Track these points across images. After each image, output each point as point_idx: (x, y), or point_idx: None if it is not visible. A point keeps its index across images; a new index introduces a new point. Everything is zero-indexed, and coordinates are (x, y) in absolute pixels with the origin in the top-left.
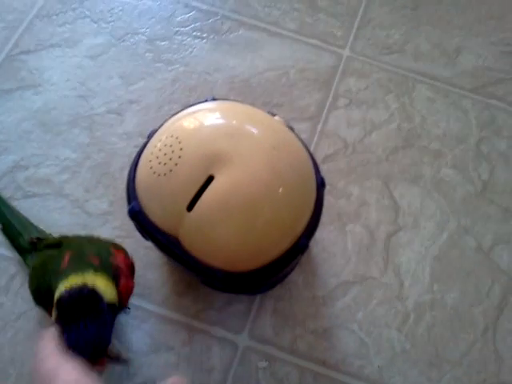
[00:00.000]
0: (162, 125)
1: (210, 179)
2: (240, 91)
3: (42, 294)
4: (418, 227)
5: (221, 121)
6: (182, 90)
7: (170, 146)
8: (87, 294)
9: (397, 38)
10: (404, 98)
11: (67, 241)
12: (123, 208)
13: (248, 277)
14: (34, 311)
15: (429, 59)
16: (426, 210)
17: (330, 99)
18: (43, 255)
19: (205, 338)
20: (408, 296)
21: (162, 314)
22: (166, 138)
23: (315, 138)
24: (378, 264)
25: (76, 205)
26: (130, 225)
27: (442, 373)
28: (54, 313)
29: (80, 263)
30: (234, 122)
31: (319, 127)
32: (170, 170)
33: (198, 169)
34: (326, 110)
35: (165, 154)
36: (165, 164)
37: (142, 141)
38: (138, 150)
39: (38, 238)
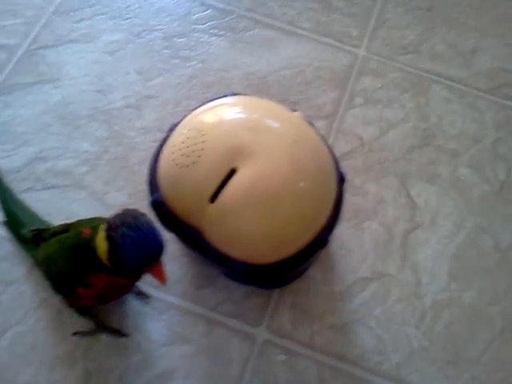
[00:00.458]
0: (183, 119)
1: (233, 172)
2: (257, 88)
3: (65, 276)
4: (435, 225)
5: (243, 115)
6: (200, 86)
7: (193, 138)
8: (130, 210)
9: (412, 38)
10: (419, 97)
11: (74, 225)
12: (142, 201)
13: (269, 269)
14: (55, 299)
15: (444, 60)
16: (443, 208)
17: (346, 98)
18: (54, 242)
19: (223, 331)
20: (425, 293)
21: (180, 305)
22: (189, 131)
23: (331, 136)
24: (396, 261)
25: (95, 197)
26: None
27: (461, 371)
28: (104, 246)
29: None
30: (256, 116)
31: (335, 125)
32: (193, 162)
33: (221, 161)
34: (342, 109)
35: (188, 147)
36: (188, 156)
37: (160, 135)
38: (156, 144)
39: (39, 230)
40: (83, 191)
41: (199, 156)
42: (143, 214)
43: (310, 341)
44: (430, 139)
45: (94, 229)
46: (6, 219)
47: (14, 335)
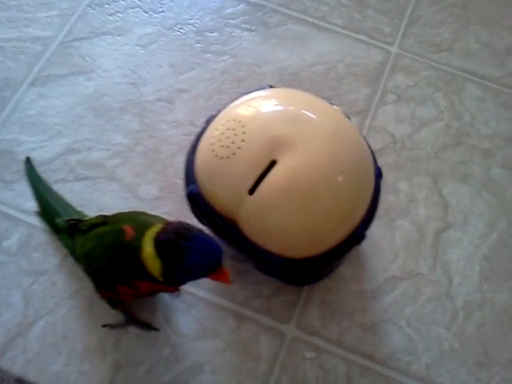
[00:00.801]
0: (220, 110)
1: (272, 163)
2: (289, 84)
3: (106, 274)
4: (468, 225)
5: (282, 107)
6: (231, 80)
7: (233, 129)
8: (175, 222)
9: (446, 36)
10: (453, 96)
11: (113, 218)
12: (173, 194)
13: (305, 264)
14: (87, 290)
15: (478, 58)
16: (476, 208)
17: (379, 95)
18: (93, 236)
19: (252, 326)
20: (457, 294)
21: (210, 299)
22: (228, 122)
23: (363, 133)
24: (427, 261)
25: (127, 189)
26: (180, 210)
27: (492, 373)
28: (157, 265)
29: (144, 227)
30: (296, 108)
31: (367, 122)
32: (233, 153)
33: (261, 153)
34: (374, 106)
35: (228, 138)
36: (227, 147)
37: (191, 129)
38: (188, 137)
39: (77, 219)
40: (115, 183)
41: (239, 147)
42: (189, 224)
43: (339, 339)
44: (463, 138)
45: (138, 230)
46: (39, 209)
47: (46, 325)
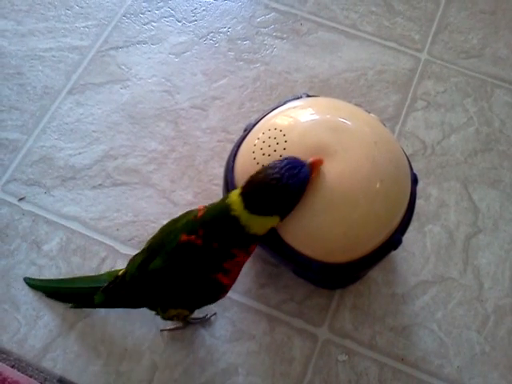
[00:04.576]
0: (259, 119)
1: None
2: (320, 91)
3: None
4: (498, 230)
5: (322, 115)
6: (263, 88)
7: (275, 138)
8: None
9: (475, 42)
10: (482, 102)
11: (152, 246)
12: (207, 199)
13: (342, 269)
14: None
15: (508, 64)
16: (506, 213)
17: (409, 101)
18: (143, 270)
19: (285, 329)
20: (488, 298)
21: (244, 303)
22: (270, 130)
23: None
24: (458, 265)
25: (163, 195)
26: None
27: None
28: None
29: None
30: (335, 116)
31: (398, 128)
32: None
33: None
34: (404, 112)
35: (269, 146)
36: (269, 155)
37: (224, 136)
38: (221, 144)
39: (110, 282)
40: (151, 189)
41: (281, 155)
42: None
43: (371, 342)
44: (492, 144)
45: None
46: (72, 304)
47: (85, 326)
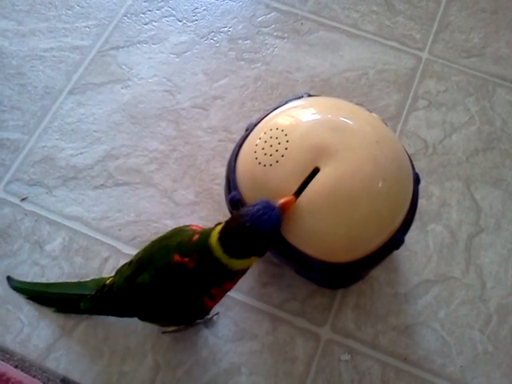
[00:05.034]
0: (261, 119)
1: (315, 171)
2: (321, 90)
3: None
4: (500, 229)
5: (323, 115)
6: (264, 87)
7: (276, 138)
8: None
9: (476, 41)
10: (484, 101)
11: (141, 262)
12: (209, 199)
13: (345, 269)
14: None
15: (509, 63)
16: (508, 212)
17: (410, 100)
18: (131, 283)
19: (288, 329)
20: (490, 298)
21: (246, 302)
22: (271, 130)
23: None
24: (460, 264)
25: (164, 194)
26: (216, 215)
27: None
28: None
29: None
30: (337, 116)
31: (399, 127)
32: (277, 161)
33: (305, 160)
34: (405, 111)
35: (271, 146)
36: (271, 155)
37: (226, 135)
38: (222, 144)
39: (97, 291)
40: (152, 188)
41: (282, 155)
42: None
43: (374, 341)
44: (494, 143)
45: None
46: (55, 309)
47: (88, 327)
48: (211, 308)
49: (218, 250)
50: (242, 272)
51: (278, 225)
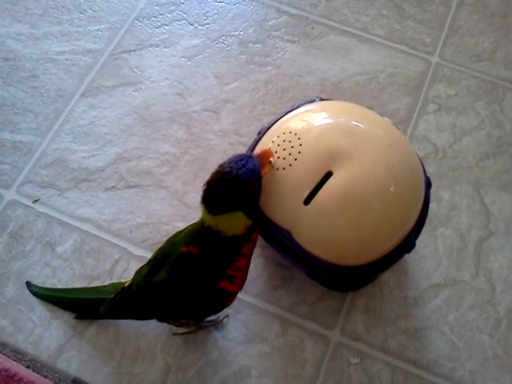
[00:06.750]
0: (273, 122)
1: (328, 174)
2: (331, 94)
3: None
4: (510, 234)
5: (336, 119)
6: (275, 91)
7: (289, 141)
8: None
9: (486, 45)
10: (494, 105)
11: (155, 257)
12: None
13: (356, 272)
14: None
15: None
16: None
17: (420, 104)
18: (149, 281)
19: (298, 331)
20: (500, 302)
21: (256, 305)
22: (284, 134)
23: None
24: (469, 268)
25: (175, 197)
26: None
27: None
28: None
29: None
30: (349, 120)
31: (409, 131)
32: (290, 165)
33: (318, 164)
34: (415, 115)
35: (284, 149)
36: (284, 159)
37: (237, 138)
38: (233, 147)
39: (116, 294)
40: (163, 191)
41: (296, 159)
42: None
43: (383, 344)
44: (504, 147)
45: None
46: (75, 315)
47: (99, 328)
48: (235, 293)
49: (204, 216)
50: (242, 239)
51: (256, 173)
